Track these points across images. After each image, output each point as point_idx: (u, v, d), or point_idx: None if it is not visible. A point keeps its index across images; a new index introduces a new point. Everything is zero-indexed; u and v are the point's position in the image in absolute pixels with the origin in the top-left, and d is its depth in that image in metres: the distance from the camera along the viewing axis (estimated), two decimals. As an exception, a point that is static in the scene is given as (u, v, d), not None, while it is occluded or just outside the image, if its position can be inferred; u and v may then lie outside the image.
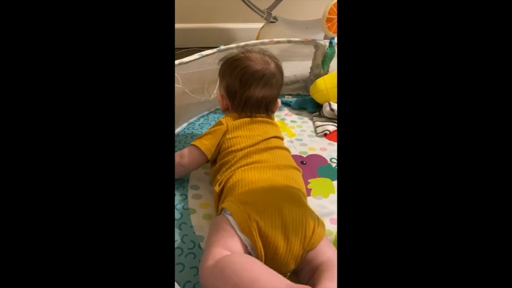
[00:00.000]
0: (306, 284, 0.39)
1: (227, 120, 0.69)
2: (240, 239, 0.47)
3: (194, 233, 0.61)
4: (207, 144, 0.67)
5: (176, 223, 0.62)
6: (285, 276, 0.49)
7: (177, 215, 0.64)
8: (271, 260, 0.47)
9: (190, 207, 0.66)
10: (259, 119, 0.70)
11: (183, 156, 0.68)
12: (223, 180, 0.60)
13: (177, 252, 0.57)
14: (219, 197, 0.60)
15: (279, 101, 0.76)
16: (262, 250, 0.47)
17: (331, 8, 0.95)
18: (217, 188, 0.60)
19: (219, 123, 0.70)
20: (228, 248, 0.46)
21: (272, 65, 0.72)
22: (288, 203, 0.51)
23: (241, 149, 0.64)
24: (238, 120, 0.69)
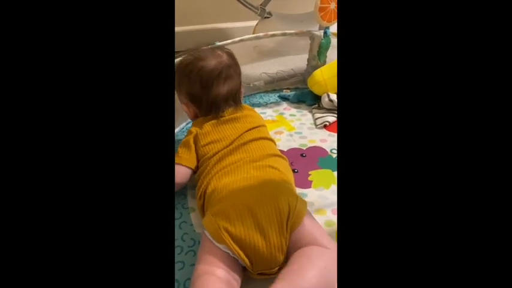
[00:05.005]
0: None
1: (195, 128, 0.67)
2: (219, 249, 0.48)
3: (194, 231, 0.60)
4: (187, 159, 0.64)
5: (176, 222, 0.62)
6: (277, 268, 0.47)
7: (177, 214, 0.64)
8: (256, 259, 0.47)
9: (189, 206, 0.66)
10: (227, 117, 0.67)
11: None
12: (202, 193, 0.58)
13: (177, 250, 0.56)
14: (203, 210, 0.58)
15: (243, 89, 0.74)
16: (242, 253, 0.46)
17: (323, -3, 0.94)
18: (199, 203, 0.59)
19: (189, 132, 0.67)
20: (209, 262, 0.47)
21: (225, 57, 0.69)
22: (257, 197, 0.50)
23: (214, 155, 0.61)
24: (206, 125, 0.66)
